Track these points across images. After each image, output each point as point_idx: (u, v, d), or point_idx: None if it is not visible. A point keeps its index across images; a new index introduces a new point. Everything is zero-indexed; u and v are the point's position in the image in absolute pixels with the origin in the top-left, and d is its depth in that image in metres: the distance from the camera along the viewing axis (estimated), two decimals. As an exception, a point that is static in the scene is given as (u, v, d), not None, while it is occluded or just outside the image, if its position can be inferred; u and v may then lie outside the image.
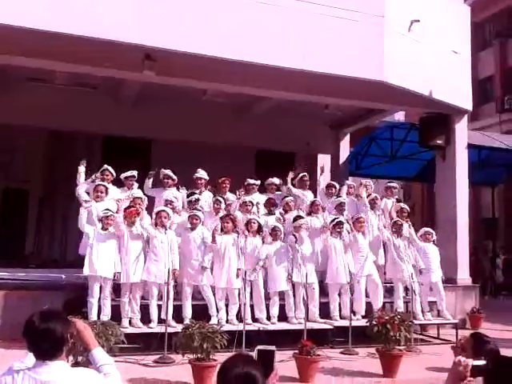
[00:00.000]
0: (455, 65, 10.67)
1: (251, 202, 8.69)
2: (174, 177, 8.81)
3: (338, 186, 9.81)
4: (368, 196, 9.61)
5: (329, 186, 9.80)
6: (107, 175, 8.38)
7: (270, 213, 8.87)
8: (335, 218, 8.66)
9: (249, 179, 9.38)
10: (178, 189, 8.86)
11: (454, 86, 10.54)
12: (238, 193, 8.93)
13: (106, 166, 8.51)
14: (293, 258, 8.05)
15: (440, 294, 9.18)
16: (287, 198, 9.10)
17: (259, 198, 9.14)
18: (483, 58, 24.34)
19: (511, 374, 2.16)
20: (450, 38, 10.58)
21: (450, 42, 10.56)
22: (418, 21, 9.60)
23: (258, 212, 8.70)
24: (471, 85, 11.27)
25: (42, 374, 2.29)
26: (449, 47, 10.55)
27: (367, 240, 8.76)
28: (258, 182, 9.39)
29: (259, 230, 8.15)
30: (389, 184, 10.40)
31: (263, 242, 8.13)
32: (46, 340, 2.31)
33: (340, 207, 9.17)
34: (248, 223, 8.13)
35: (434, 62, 10.12)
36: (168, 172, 8.78)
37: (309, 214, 8.98)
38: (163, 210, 7.73)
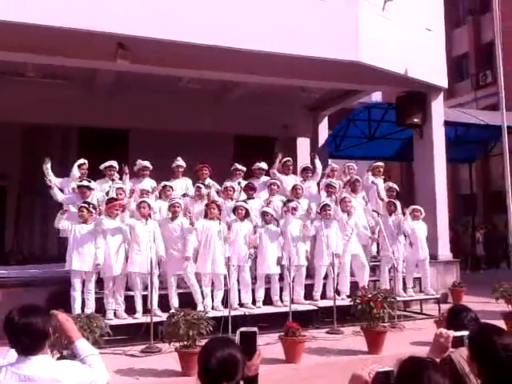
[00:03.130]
0: (430, 43, 10.72)
1: (232, 187, 8.68)
2: (151, 167, 8.78)
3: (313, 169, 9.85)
4: (350, 178, 9.67)
5: (304, 170, 9.83)
6: (85, 169, 8.38)
7: (249, 197, 8.88)
8: (322, 202, 8.74)
9: (236, 164, 9.36)
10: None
11: (429, 64, 10.60)
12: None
13: (82, 159, 8.50)
14: (284, 242, 8.14)
15: (426, 270, 9.34)
16: (272, 181, 9.11)
17: (242, 184, 9.13)
18: (457, 35, 24.51)
19: (491, 339, 2.21)
20: (423, 16, 10.60)
21: (423, 20, 10.59)
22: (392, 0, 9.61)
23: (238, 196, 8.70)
24: (446, 62, 11.36)
25: (25, 368, 2.28)
26: (423, 25, 10.59)
27: (353, 220, 8.84)
28: (244, 168, 9.36)
29: (246, 215, 8.17)
30: (375, 164, 10.46)
31: (254, 227, 8.14)
32: (27, 335, 2.29)
33: (329, 189, 9.21)
34: (235, 209, 8.13)
35: (409, 40, 10.15)
36: (146, 163, 8.73)
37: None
38: (143, 201, 7.70)
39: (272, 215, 8.26)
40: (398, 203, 9.35)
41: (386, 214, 9.20)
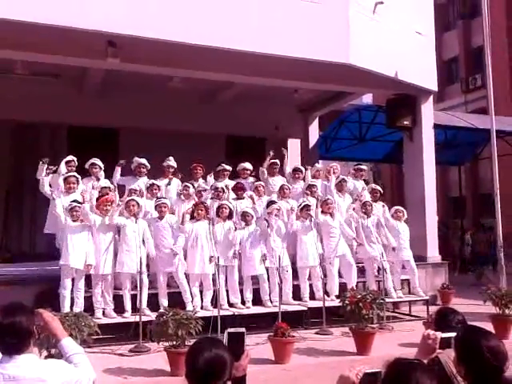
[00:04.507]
0: (420, 46, 10.79)
1: (223, 188, 8.67)
2: (148, 166, 8.76)
3: (304, 170, 9.86)
4: (336, 179, 9.70)
5: (295, 171, 9.84)
6: (72, 166, 8.33)
7: (239, 197, 8.88)
8: (302, 202, 8.72)
9: (223, 164, 9.33)
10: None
11: (419, 67, 10.66)
12: (208, 179, 8.92)
13: (70, 156, 8.47)
14: (266, 242, 8.14)
15: (413, 271, 9.36)
16: (257, 183, 9.12)
17: (230, 184, 9.12)
18: (447, 39, 24.68)
19: (477, 341, 2.23)
20: (413, 20, 10.66)
21: (414, 23, 10.65)
22: (382, 3, 9.65)
23: (228, 197, 8.70)
24: (436, 66, 11.43)
25: (10, 368, 2.25)
26: (413, 29, 10.65)
27: (337, 221, 8.84)
28: (230, 168, 9.36)
29: (230, 215, 8.17)
30: (357, 166, 10.50)
31: (235, 228, 8.14)
32: (11, 334, 2.26)
33: (310, 190, 9.22)
34: (219, 208, 8.13)
35: (399, 43, 10.21)
36: (143, 161, 8.70)
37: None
38: (132, 199, 7.68)
39: (252, 216, 8.26)
40: (377, 204, 9.40)
41: (363, 216, 9.19)
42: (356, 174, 10.25)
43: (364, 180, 10.41)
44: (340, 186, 9.51)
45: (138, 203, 7.67)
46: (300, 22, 8.75)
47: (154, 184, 8.35)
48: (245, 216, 8.20)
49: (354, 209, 9.27)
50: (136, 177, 8.70)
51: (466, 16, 24.49)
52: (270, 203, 8.52)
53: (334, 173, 9.83)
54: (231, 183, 9.10)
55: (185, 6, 8.09)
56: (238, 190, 8.95)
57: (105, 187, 8.02)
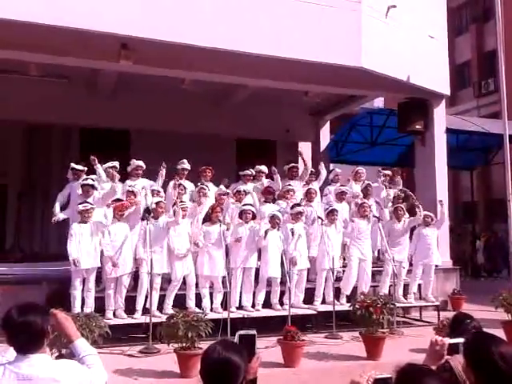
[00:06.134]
0: (432, 50, 10.75)
1: (245, 191, 8.74)
2: (144, 166, 8.73)
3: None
4: (362, 184, 9.70)
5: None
6: (76, 173, 8.38)
7: (267, 201, 8.87)
8: (329, 207, 8.72)
9: (251, 169, 9.38)
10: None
11: (431, 71, 10.62)
12: (225, 183, 8.92)
13: (72, 164, 8.58)
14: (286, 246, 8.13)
15: (429, 276, 9.32)
16: (289, 187, 9.12)
17: (249, 187, 9.14)
18: (460, 43, 24.56)
19: (488, 348, 2.20)
20: (426, 24, 10.63)
21: (426, 27, 10.62)
22: (395, 6, 9.63)
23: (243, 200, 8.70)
24: (449, 70, 11.38)
25: (23, 367, 2.26)
26: (426, 32, 10.61)
27: (370, 225, 8.85)
28: (254, 172, 9.39)
29: (253, 218, 8.18)
30: (384, 171, 10.46)
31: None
32: (26, 333, 2.28)
33: (341, 195, 9.26)
34: (243, 213, 8.13)
35: (412, 47, 10.18)
36: (140, 163, 8.70)
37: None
38: (161, 201, 7.76)
39: (280, 220, 8.22)
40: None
41: (394, 220, 9.20)
42: (385, 180, 10.15)
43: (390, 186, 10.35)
44: (366, 191, 9.47)
45: (165, 205, 7.76)
46: (312, 26, 8.75)
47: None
48: (274, 219, 8.18)
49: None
50: (133, 178, 8.65)
51: (479, 20, 24.36)
52: (295, 206, 8.53)
53: (359, 177, 9.84)
54: (251, 186, 9.11)
55: (198, 9, 8.12)
56: (267, 193, 8.95)
57: (130, 191, 8.02)
